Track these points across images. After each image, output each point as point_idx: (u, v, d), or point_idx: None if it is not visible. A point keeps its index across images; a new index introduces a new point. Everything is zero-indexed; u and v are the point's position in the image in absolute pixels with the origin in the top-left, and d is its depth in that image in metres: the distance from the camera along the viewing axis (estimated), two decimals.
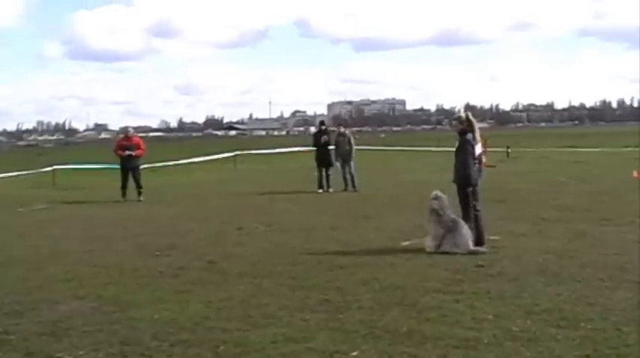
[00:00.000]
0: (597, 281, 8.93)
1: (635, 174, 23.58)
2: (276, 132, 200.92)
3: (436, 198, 11.68)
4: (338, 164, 23.40)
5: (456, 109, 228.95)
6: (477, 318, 7.42)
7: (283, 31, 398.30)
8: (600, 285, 8.73)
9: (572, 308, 7.74)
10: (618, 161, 31.63)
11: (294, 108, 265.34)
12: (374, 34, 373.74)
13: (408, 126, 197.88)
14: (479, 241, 11.45)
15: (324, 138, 23.64)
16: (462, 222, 11.36)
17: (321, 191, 22.96)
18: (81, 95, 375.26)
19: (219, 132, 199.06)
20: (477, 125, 11.94)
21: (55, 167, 30.63)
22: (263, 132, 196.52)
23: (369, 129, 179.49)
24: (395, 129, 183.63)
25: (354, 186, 22.99)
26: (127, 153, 22.00)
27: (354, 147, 24.15)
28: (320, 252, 11.86)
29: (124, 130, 24.18)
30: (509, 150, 40.65)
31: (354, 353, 6.41)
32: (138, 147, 22.28)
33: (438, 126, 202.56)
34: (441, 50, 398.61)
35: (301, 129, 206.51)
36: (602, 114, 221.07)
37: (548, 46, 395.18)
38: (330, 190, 22.88)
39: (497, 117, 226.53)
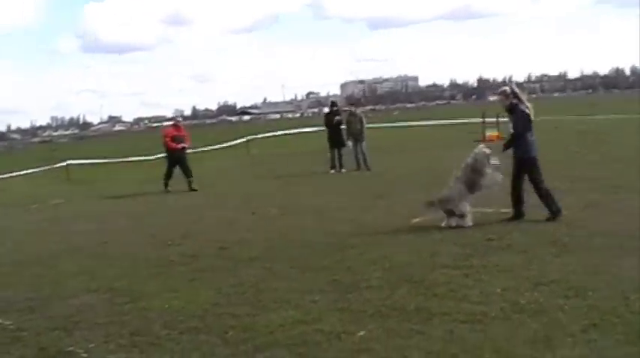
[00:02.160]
0: (606, 250, 8.91)
1: None
2: (290, 115, 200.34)
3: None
4: (350, 143, 23.32)
5: (469, 83, 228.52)
6: (484, 292, 7.44)
7: (295, 14, 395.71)
8: (609, 254, 8.71)
9: (579, 278, 7.74)
10: (630, 128, 31.34)
11: (308, 90, 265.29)
12: (384, 12, 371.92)
13: (422, 103, 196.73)
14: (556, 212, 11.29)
15: (336, 118, 23.57)
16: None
17: (333, 171, 22.95)
18: (93, 88, 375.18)
19: (233, 118, 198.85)
20: (525, 95, 11.76)
21: (68, 162, 30.67)
22: (277, 116, 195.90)
23: (383, 107, 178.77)
24: (409, 105, 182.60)
25: (366, 165, 22.95)
26: (181, 145, 21.09)
27: (366, 126, 24.02)
28: (331, 233, 11.89)
29: (174, 119, 23.43)
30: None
31: (362, 333, 6.45)
32: (186, 138, 21.41)
33: (452, 101, 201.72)
34: (451, 24, 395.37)
35: (315, 110, 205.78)
36: (615, 81, 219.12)
37: (560, 15, 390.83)
38: (343, 170, 22.86)
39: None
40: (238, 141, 36.59)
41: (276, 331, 6.75)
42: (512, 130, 11.56)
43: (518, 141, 11.38)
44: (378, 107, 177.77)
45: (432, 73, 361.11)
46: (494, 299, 7.13)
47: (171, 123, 22.83)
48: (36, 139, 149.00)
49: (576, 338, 5.81)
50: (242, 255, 10.61)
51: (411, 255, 9.55)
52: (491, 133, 31.40)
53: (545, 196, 11.31)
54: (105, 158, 35.84)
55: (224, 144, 36.33)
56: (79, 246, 12.76)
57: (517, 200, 11.51)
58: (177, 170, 21.34)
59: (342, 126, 23.80)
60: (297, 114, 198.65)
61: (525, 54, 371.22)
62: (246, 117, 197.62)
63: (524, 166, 11.45)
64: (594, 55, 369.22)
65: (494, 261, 8.79)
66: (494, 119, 32.98)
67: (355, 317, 6.95)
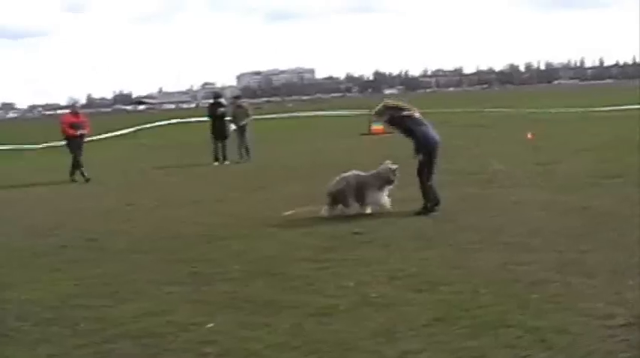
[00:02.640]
0: (469, 245, 9.16)
1: (529, 135, 24.06)
2: (185, 105, 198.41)
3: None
4: (235, 133, 23.40)
5: (365, 76, 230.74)
6: (339, 286, 7.57)
7: (195, 4, 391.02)
8: (471, 248, 8.96)
9: (435, 271, 7.95)
10: (518, 124, 32.16)
11: (204, 81, 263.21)
12: (283, 4, 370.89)
13: (318, 95, 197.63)
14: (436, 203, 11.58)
15: (219, 109, 23.49)
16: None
17: (217, 163, 22.86)
18: None
19: (129, 107, 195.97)
20: (400, 102, 12.16)
21: None
22: (172, 106, 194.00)
23: (279, 99, 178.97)
24: (304, 97, 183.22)
25: (248, 156, 22.97)
26: (80, 132, 20.36)
27: (251, 118, 24.11)
28: (203, 224, 11.93)
29: (72, 106, 22.60)
30: None
31: (210, 325, 6.50)
32: (85, 124, 20.71)
33: (348, 94, 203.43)
34: (349, 18, 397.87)
35: (211, 101, 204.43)
36: (510, 77, 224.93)
37: (457, 11, 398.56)
38: (227, 162, 22.82)
39: (407, 83, 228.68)
40: (127, 130, 35.87)
41: (127, 322, 6.75)
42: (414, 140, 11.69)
43: (420, 142, 11.59)
44: (274, 99, 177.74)
45: (328, 66, 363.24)
46: (347, 293, 7.26)
47: (69, 110, 22.07)
48: None
49: (418, 332, 5.96)
50: (110, 247, 10.54)
51: (275, 248, 9.67)
52: (376, 126, 31.63)
53: (424, 190, 11.54)
54: None
55: (113, 134, 35.61)
56: None
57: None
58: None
59: (227, 118, 23.72)
60: (193, 105, 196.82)
61: (421, 49, 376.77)
62: (142, 107, 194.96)
63: (427, 156, 11.60)
64: (490, 51, 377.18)
65: (355, 255, 8.95)
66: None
67: (207, 309, 6.99)
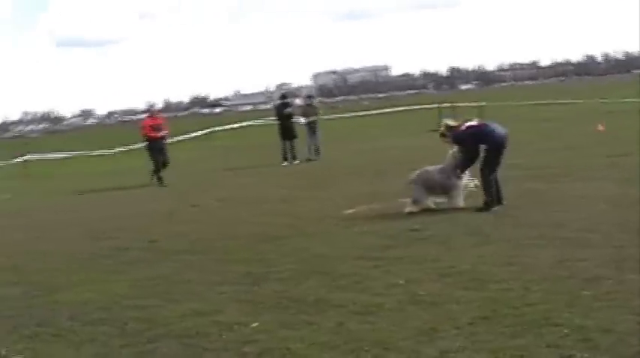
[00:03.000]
0: (527, 240, 8.91)
1: (599, 127, 23.54)
2: (262, 106, 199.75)
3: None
4: (304, 131, 23.54)
5: (440, 73, 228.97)
6: (389, 284, 7.48)
7: (269, 4, 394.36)
8: (528, 244, 8.71)
9: (488, 269, 7.76)
10: (590, 116, 31.47)
11: (280, 81, 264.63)
12: (355, 3, 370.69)
13: (390, 93, 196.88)
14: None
15: (287, 110, 23.60)
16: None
17: (286, 163, 22.95)
18: (65, 82, 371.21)
19: (205, 110, 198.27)
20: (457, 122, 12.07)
21: (26, 157, 30.43)
22: (249, 107, 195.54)
23: (355, 98, 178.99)
24: (380, 95, 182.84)
25: (318, 154, 23.03)
26: (162, 133, 20.49)
27: (321, 117, 24.25)
28: (264, 224, 11.98)
29: (151, 110, 22.30)
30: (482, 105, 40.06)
31: (255, 324, 6.49)
32: (164, 126, 20.83)
33: (424, 91, 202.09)
34: (423, 14, 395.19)
35: (278, 101, 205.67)
36: (587, 68, 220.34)
37: (529, 3, 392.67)
38: (296, 162, 22.92)
39: (482, 78, 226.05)
40: (201, 132, 36.33)
41: (173, 322, 6.82)
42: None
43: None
44: (350, 97, 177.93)
45: (403, 63, 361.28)
46: (395, 291, 7.17)
47: (147, 114, 22.30)
48: (8, 135, 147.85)
49: (461, 330, 5.83)
50: (169, 248, 10.67)
51: (330, 247, 9.61)
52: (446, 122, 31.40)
53: (485, 185, 11.43)
54: (67, 151, 35.54)
55: (187, 136, 36.10)
56: (13, 241, 12.80)
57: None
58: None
59: (295, 118, 23.83)
60: (269, 106, 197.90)
61: (496, 43, 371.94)
62: (218, 109, 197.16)
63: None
64: (566, 43, 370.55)
65: (409, 252, 8.84)
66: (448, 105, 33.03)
67: (254, 309, 7.00)
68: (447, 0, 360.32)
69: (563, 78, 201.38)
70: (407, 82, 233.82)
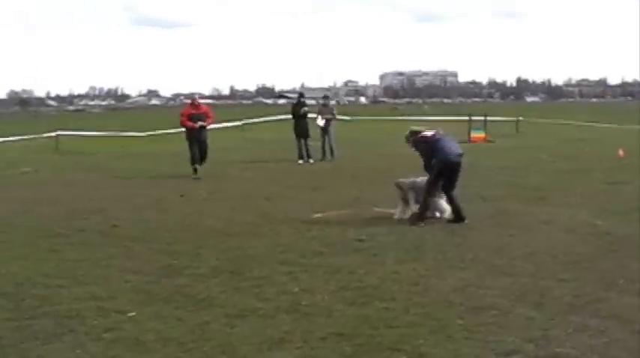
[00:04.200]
0: (454, 262, 8.91)
1: (620, 152, 23.18)
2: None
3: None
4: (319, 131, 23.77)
5: (508, 83, 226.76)
6: (282, 291, 7.60)
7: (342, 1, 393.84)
8: (451, 266, 8.71)
9: (392, 286, 7.77)
10: (625, 138, 30.89)
11: (347, 78, 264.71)
12: (431, 6, 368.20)
13: (458, 99, 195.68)
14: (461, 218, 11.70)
15: (303, 109, 23.74)
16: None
17: (301, 161, 23.08)
18: (135, 61, 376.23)
19: (269, 101, 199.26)
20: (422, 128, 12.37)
21: (58, 132, 31.01)
22: (313, 101, 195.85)
23: (420, 101, 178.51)
24: (445, 101, 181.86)
25: (332, 155, 23.13)
26: (199, 124, 19.32)
27: (336, 117, 24.35)
28: (226, 220, 12.23)
29: (191, 97, 21.00)
30: (519, 121, 39.63)
31: (131, 314, 6.81)
32: (207, 115, 19.67)
33: (489, 99, 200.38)
34: (495, 22, 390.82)
35: (352, 99, 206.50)
36: None
37: (604, 20, 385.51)
38: (311, 161, 23.04)
39: (549, 92, 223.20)
40: (235, 123, 36.66)
41: (64, 303, 7.19)
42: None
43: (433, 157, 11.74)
44: (415, 100, 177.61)
45: (472, 70, 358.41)
46: (282, 298, 7.29)
47: (189, 101, 21.14)
48: (71, 107, 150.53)
49: (307, 344, 5.96)
50: (122, 233, 11.05)
51: (265, 248, 9.78)
52: (477, 134, 31.17)
53: (424, 197, 11.69)
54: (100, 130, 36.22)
55: (220, 125, 36.40)
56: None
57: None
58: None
59: (322, 120, 23.98)
60: (333, 102, 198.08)
61: (566, 57, 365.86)
62: (282, 101, 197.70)
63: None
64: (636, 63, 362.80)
65: (333, 262, 8.91)
66: (482, 118, 32.75)
67: (145, 300, 7.30)
68: (523, 9, 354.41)
69: (630, 98, 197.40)
70: (473, 89, 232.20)
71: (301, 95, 25.80)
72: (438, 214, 11.91)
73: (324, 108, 24.53)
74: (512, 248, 9.74)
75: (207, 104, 22.21)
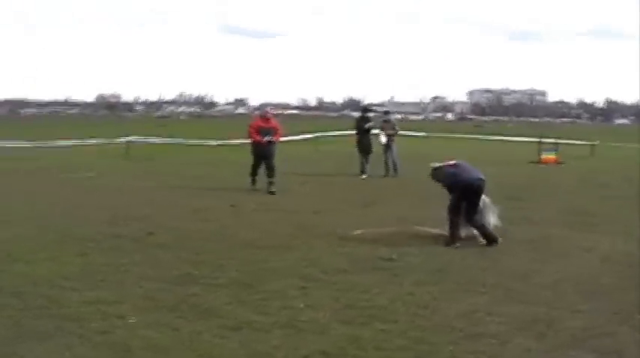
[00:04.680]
0: (474, 287, 8.88)
1: None
2: (413, 117, 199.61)
3: None
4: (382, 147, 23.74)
5: (597, 104, 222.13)
6: (287, 306, 7.66)
7: (432, 15, 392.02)
8: (469, 291, 8.67)
9: (399, 309, 7.75)
10: None
11: (435, 94, 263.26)
12: (526, 25, 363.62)
13: (546, 119, 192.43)
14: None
15: (367, 124, 23.73)
16: None
17: (364, 176, 23.03)
18: (225, 69, 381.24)
19: (356, 114, 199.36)
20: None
21: (129, 138, 31.61)
22: (399, 116, 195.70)
23: (506, 119, 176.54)
24: (532, 120, 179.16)
25: (395, 171, 23.08)
26: (266, 139, 18.64)
27: (398, 133, 24.58)
28: (264, 231, 12.36)
29: (262, 111, 20.60)
30: (595, 144, 38.77)
31: (132, 320, 7.05)
32: (275, 131, 19.02)
33: (577, 120, 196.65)
34: (586, 42, 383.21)
35: (439, 114, 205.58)
36: None
37: None
38: (364, 176, 23.05)
39: (639, 114, 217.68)
40: (310, 135, 36.95)
41: (71, 306, 7.54)
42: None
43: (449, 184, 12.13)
44: (502, 118, 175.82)
45: (560, 90, 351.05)
46: (283, 313, 7.38)
47: (258, 114, 20.75)
48: (158, 113, 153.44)
49: None
50: (156, 241, 11.24)
51: (289, 262, 9.88)
52: (547, 156, 30.82)
53: (450, 224, 11.77)
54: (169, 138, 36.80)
55: (296, 137, 36.69)
56: (32, 213, 13.89)
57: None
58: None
59: (378, 133, 23.97)
60: (421, 117, 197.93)
61: None
62: (369, 114, 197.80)
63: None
64: None
65: (352, 280, 8.92)
66: (552, 141, 32.33)
67: (150, 306, 7.53)
68: (620, 29, 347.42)
69: None
70: (561, 109, 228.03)
71: (365, 110, 25.77)
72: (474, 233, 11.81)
73: (386, 124, 24.51)
74: (539, 274, 9.60)
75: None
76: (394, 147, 23.89)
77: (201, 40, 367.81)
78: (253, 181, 18.92)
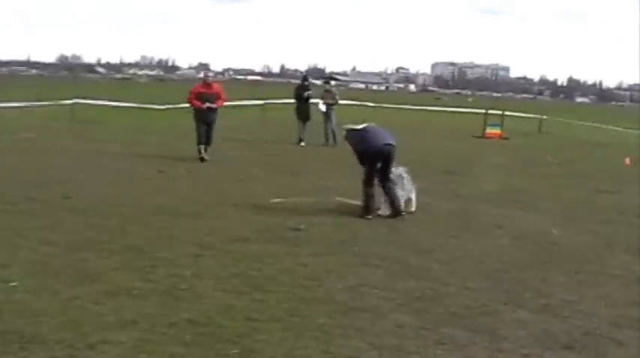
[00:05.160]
0: (362, 257, 8.94)
1: (627, 161, 22.84)
2: (375, 87, 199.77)
3: None
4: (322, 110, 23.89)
5: (559, 82, 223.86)
6: (174, 274, 7.66)
7: None
8: (360, 261, 8.74)
9: (277, 276, 7.87)
10: None
11: (398, 65, 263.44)
12: (493, 1, 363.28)
13: (509, 94, 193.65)
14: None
15: (307, 93, 23.71)
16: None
17: (303, 144, 23.10)
18: (189, 33, 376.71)
19: (319, 82, 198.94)
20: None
21: (75, 101, 31.15)
22: (362, 86, 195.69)
23: (469, 93, 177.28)
24: (495, 95, 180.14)
25: (335, 141, 23.09)
26: (207, 105, 18.14)
27: (338, 102, 24.66)
28: (183, 198, 12.40)
29: (204, 75, 20.01)
30: (542, 120, 39.06)
31: (13, 283, 7.02)
32: (218, 96, 18.44)
33: (538, 97, 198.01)
34: (554, 21, 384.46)
35: (401, 85, 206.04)
36: None
37: None
38: (302, 144, 23.31)
39: (600, 94, 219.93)
40: (254, 102, 36.78)
41: None
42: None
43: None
44: (464, 92, 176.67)
45: (524, 66, 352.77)
46: (165, 281, 7.37)
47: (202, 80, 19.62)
48: (119, 76, 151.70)
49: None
50: (70, 205, 11.17)
51: (193, 230, 9.87)
52: (492, 130, 30.95)
53: (363, 193, 11.79)
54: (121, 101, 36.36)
55: (240, 102, 36.45)
56: None
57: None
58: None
59: (325, 106, 24.01)
60: (383, 87, 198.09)
61: (620, 60, 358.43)
62: (332, 83, 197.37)
63: None
64: None
65: (248, 249, 8.92)
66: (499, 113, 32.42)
67: (38, 271, 7.50)
68: (585, 9, 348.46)
69: None
70: (524, 85, 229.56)
71: (305, 78, 25.67)
72: (382, 210, 11.84)
73: (326, 93, 24.42)
74: (443, 250, 9.66)
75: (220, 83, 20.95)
76: (333, 116, 23.93)
77: (166, 3, 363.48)
78: (200, 151, 18.33)
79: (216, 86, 18.77)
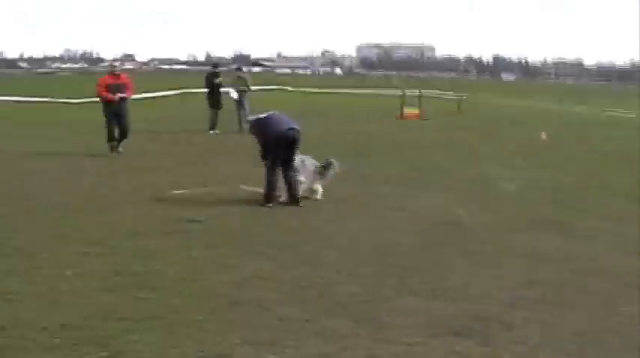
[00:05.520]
0: (260, 246, 8.88)
1: (543, 136, 23.19)
2: (301, 71, 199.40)
3: None
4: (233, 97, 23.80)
5: (485, 60, 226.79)
6: (56, 275, 7.43)
7: None
8: (253, 251, 8.66)
9: (162, 269, 7.77)
10: (572, 125, 30.84)
11: (324, 48, 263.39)
12: None
13: (435, 73, 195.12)
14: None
15: (218, 80, 23.54)
16: None
17: (212, 132, 23.01)
18: (111, 22, 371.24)
19: (245, 69, 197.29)
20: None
21: None
22: (288, 71, 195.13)
23: (395, 74, 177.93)
24: (421, 75, 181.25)
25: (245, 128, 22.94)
26: (119, 96, 17.47)
27: (251, 89, 24.60)
28: (80, 194, 12.21)
29: (111, 66, 19.03)
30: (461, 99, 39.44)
31: None
32: (126, 86, 17.81)
33: (465, 74, 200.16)
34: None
35: (328, 69, 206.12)
36: (630, 74, 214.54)
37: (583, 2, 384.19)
38: (216, 131, 23.15)
39: (525, 70, 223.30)
40: (173, 92, 36.32)
41: None
42: None
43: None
44: (391, 73, 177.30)
45: (449, 45, 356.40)
46: (46, 280, 7.24)
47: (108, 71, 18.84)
48: (41, 70, 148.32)
49: None
50: None
51: (84, 226, 9.70)
52: (410, 111, 31.01)
53: (265, 179, 11.73)
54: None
55: (156, 94, 35.98)
56: None
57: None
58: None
59: (224, 90, 24.03)
60: (309, 72, 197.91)
61: (544, 37, 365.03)
62: (257, 69, 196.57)
63: None
64: (613, 46, 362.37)
65: (140, 244, 8.76)
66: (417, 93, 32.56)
67: None
68: None
69: (607, 80, 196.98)
70: (450, 64, 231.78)
71: (215, 65, 25.40)
72: (284, 197, 11.78)
73: (238, 80, 24.22)
74: (340, 235, 9.62)
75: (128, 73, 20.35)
76: (246, 103, 23.73)
77: None
78: (112, 147, 17.74)
79: (124, 76, 18.14)
